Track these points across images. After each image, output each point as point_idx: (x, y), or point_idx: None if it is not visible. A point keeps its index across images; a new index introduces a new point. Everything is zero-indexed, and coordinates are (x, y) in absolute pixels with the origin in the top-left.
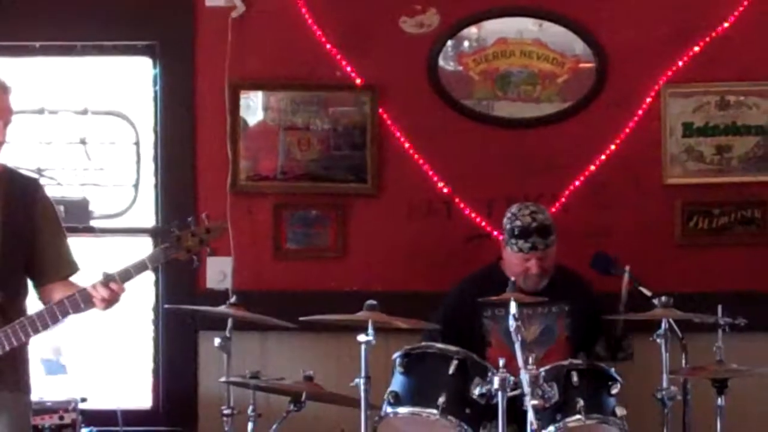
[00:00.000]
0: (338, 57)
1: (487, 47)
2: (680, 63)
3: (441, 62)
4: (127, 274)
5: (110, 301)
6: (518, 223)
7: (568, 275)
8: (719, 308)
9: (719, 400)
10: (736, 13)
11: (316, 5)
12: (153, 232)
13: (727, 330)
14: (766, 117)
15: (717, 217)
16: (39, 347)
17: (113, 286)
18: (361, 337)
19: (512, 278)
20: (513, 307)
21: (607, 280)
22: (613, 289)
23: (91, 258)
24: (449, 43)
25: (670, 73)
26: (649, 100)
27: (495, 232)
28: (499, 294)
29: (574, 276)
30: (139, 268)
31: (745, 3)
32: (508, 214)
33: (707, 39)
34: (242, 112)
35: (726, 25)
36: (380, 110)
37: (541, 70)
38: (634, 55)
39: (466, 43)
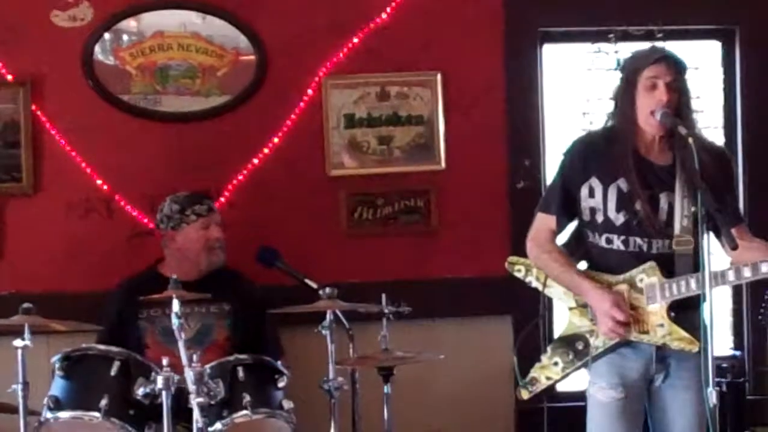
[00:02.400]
0: None
1: (144, 40)
2: (340, 55)
3: (100, 57)
4: None
5: None
6: (183, 195)
7: (231, 275)
8: (383, 297)
9: (386, 387)
10: (393, 4)
11: None
12: None
13: (392, 318)
14: (427, 107)
15: (381, 207)
16: None
17: None
18: (17, 342)
19: (173, 276)
20: (176, 305)
21: (273, 273)
22: (279, 282)
23: None
24: (107, 36)
25: (330, 65)
26: (310, 92)
27: None
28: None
29: (237, 275)
30: None
31: None
32: (167, 201)
33: (366, 30)
34: None
35: (384, 16)
36: (34, 107)
37: (201, 63)
38: (294, 47)
39: (125, 37)
